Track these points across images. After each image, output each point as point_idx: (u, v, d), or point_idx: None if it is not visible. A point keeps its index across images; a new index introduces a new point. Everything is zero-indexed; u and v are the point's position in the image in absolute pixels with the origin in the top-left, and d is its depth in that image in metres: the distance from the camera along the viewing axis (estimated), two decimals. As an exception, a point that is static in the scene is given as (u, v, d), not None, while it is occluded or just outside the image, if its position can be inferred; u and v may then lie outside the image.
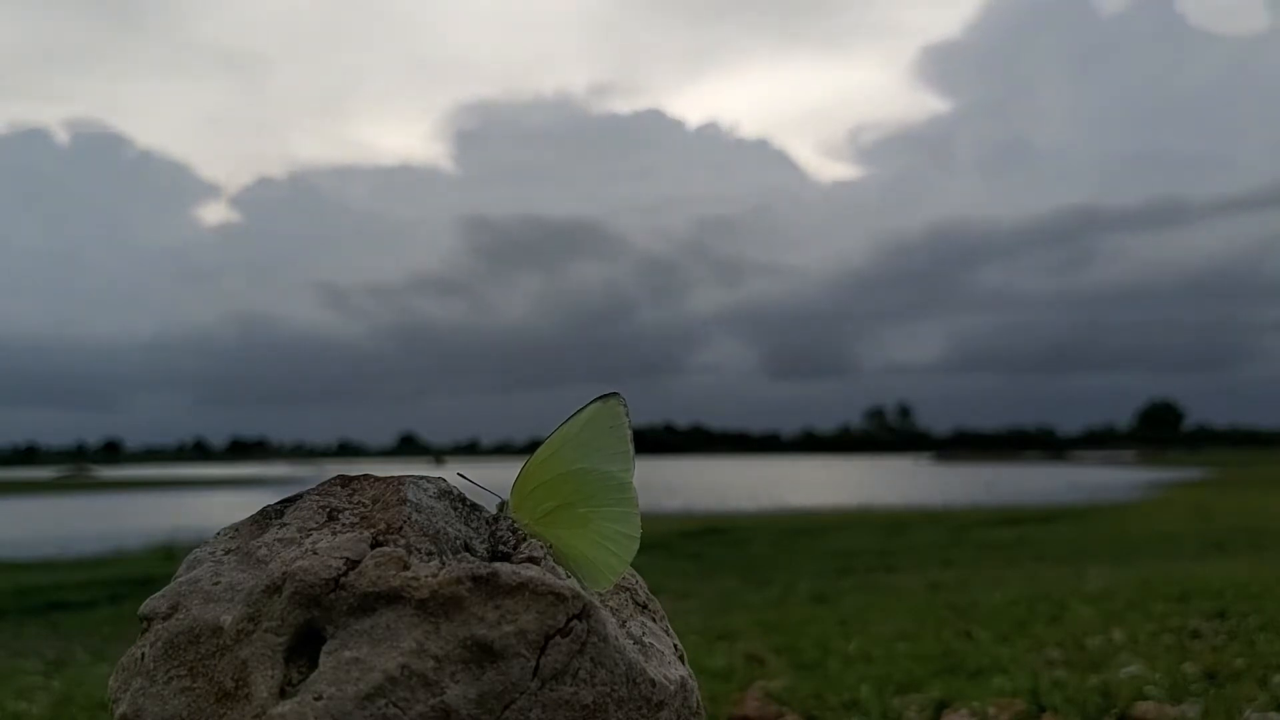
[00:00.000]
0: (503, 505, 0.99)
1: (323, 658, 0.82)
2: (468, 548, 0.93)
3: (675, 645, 1.04)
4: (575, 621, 0.86)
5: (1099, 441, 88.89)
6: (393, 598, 0.83)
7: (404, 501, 0.93)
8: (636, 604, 1.06)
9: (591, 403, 0.99)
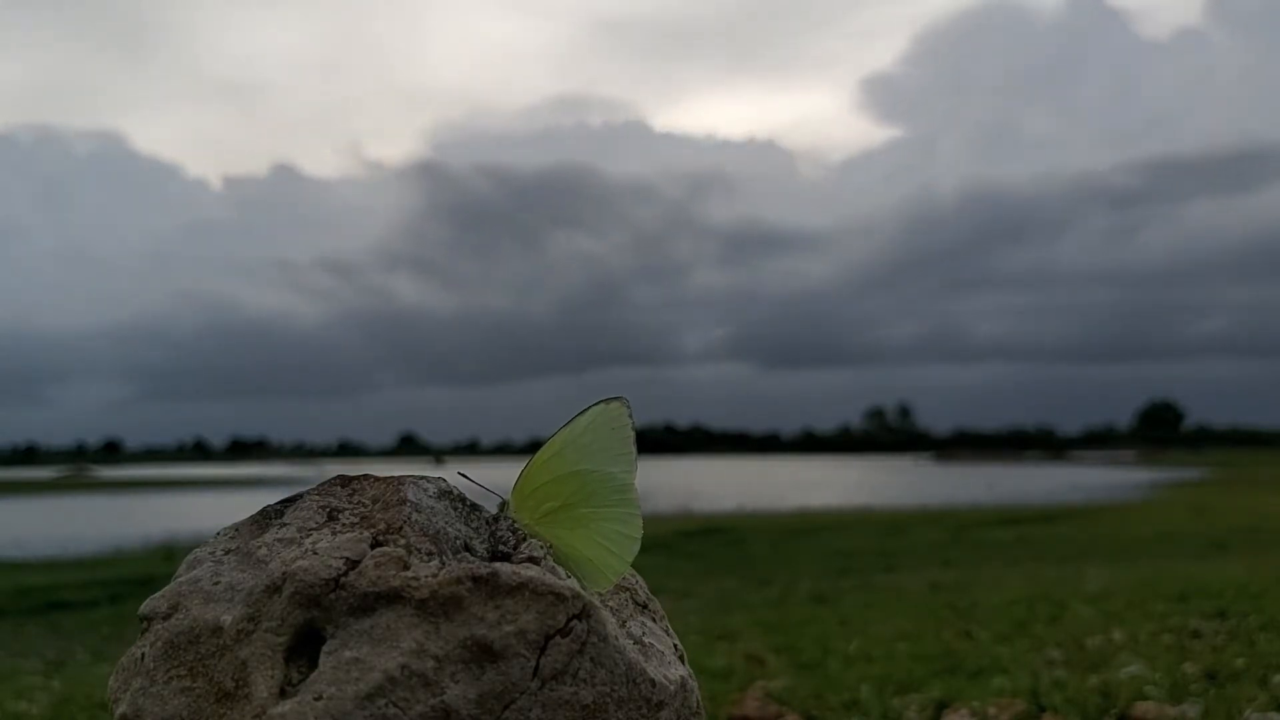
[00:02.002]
0: (503, 505, 0.99)
1: (323, 658, 0.82)
2: (468, 548, 0.93)
3: (675, 645, 1.04)
4: (575, 621, 0.86)
5: (1099, 441, 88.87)
6: (393, 598, 0.83)
7: (404, 501, 0.93)
8: (636, 604, 1.06)
9: (594, 405, 0.99)
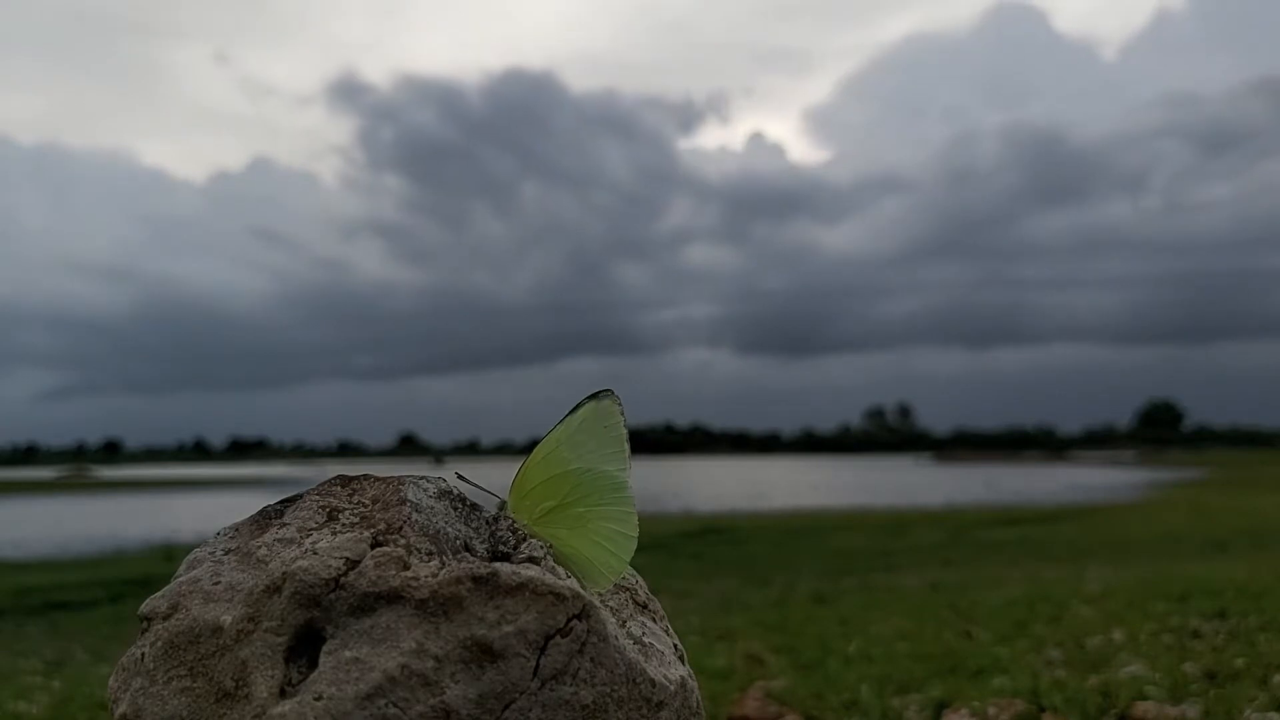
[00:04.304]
0: (503, 505, 0.99)
1: (323, 658, 0.82)
2: (468, 548, 0.94)
3: (675, 645, 1.04)
4: (575, 621, 0.86)
5: (1099, 441, 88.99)
6: (393, 598, 0.83)
7: (404, 501, 0.93)
8: (636, 604, 1.06)
9: (585, 401, 0.99)
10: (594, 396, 0.99)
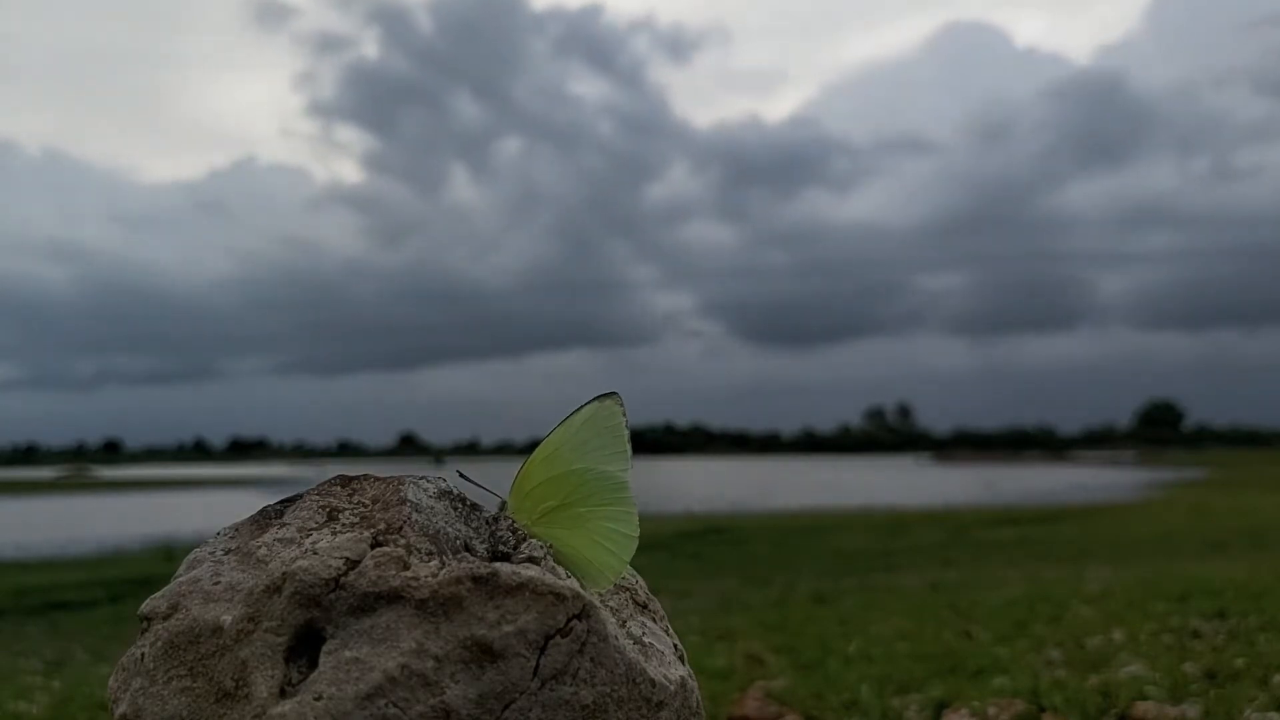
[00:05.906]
0: (503, 505, 0.99)
1: (323, 658, 0.81)
2: (468, 548, 0.93)
3: (675, 645, 1.04)
4: (575, 621, 0.86)
5: (1099, 441, 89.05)
6: (393, 598, 0.83)
7: (404, 501, 0.93)
8: (636, 604, 1.06)
9: (589, 402, 0.99)
10: (597, 398, 1.00)
